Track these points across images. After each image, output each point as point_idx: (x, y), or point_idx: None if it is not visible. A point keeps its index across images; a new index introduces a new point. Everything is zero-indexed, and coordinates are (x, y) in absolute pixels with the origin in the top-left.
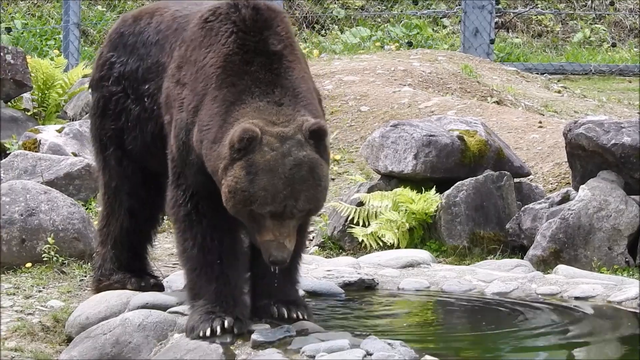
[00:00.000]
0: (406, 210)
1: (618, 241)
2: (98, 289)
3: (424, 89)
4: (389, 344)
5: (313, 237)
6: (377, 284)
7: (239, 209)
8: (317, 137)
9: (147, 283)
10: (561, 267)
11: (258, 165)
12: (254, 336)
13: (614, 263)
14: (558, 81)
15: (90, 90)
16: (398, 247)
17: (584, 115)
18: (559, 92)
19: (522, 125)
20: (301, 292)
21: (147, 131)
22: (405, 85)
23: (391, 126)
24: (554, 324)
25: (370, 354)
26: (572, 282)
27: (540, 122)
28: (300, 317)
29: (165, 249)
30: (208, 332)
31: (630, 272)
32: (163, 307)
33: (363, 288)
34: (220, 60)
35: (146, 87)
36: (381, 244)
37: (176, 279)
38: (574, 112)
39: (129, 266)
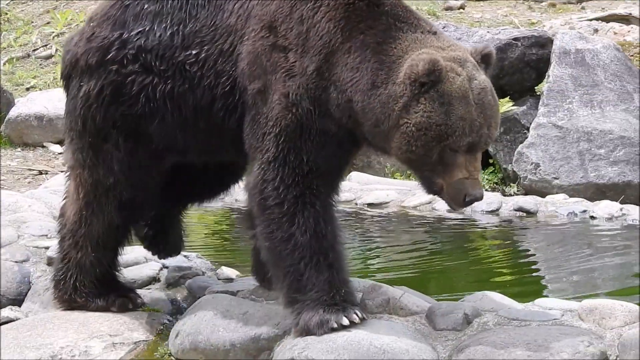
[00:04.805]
0: None
1: None
2: (71, 307)
3: None
4: (185, 256)
5: None
6: None
7: (431, 147)
8: (488, 61)
9: (135, 303)
10: (354, 174)
11: (451, 94)
12: None
13: None
14: None
15: (75, 80)
16: None
17: None
18: None
19: None
20: None
21: (188, 105)
22: None
23: None
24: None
25: (167, 267)
26: (366, 188)
27: None
28: None
29: None
30: (346, 322)
31: None
32: None
33: None
34: (340, 12)
35: (190, 53)
36: None
37: None
38: None
39: (111, 271)
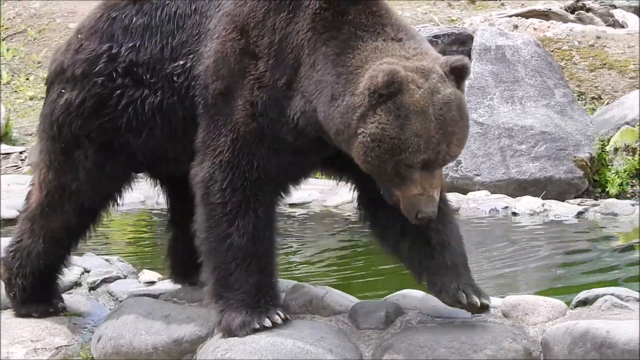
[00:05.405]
0: None
1: None
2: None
3: None
4: (106, 260)
5: None
6: None
7: (385, 159)
8: (460, 74)
9: (56, 308)
10: None
11: (408, 107)
12: None
13: None
14: None
15: (56, 85)
16: None
17: None
18: None
19: None
20: None
21: (177, 116)
22: None
23: None
24: None
25: (88, 271)
26: None
27: None
28: (486, 304)
29: None
30: (268, 323)
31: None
32: None
33: None
34: (308, 22)
35: (177, 64)
36: None
37: None
38: None
39: (55, 266)
